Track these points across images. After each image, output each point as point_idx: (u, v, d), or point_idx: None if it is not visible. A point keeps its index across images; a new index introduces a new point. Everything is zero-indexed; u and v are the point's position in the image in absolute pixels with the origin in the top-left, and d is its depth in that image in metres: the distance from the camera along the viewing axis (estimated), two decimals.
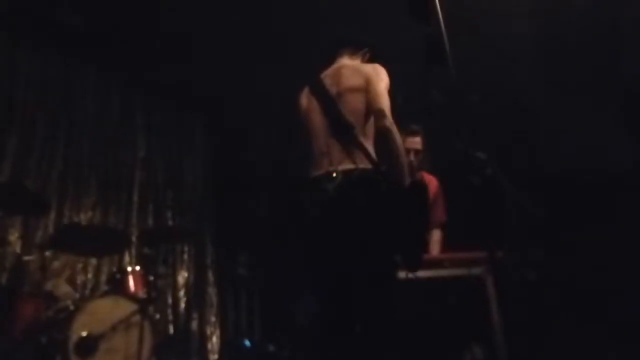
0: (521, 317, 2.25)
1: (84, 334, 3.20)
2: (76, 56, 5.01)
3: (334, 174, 2.14)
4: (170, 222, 5.51)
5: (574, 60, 3.86)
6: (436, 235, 3.46)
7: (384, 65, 2.39)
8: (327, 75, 2.46)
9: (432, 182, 3.51)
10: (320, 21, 3.97)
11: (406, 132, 3.35)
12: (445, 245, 3.42)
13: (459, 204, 2.23)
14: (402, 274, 2.68)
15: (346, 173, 2.14)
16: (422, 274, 2.75)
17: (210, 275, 5.69)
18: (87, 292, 4.41)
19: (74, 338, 3.16)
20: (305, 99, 2.48)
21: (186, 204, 5.78)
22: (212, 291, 5.62)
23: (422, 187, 2.26)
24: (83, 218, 4.78)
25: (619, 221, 3.46)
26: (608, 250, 3.20)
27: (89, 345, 3.20)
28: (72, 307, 3.35)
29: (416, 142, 3.34)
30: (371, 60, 2.54)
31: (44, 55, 4.87)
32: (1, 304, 3.22)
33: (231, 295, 5.54)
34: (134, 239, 4.81)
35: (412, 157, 3.31)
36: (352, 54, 2.55)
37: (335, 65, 2.52)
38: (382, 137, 2.16)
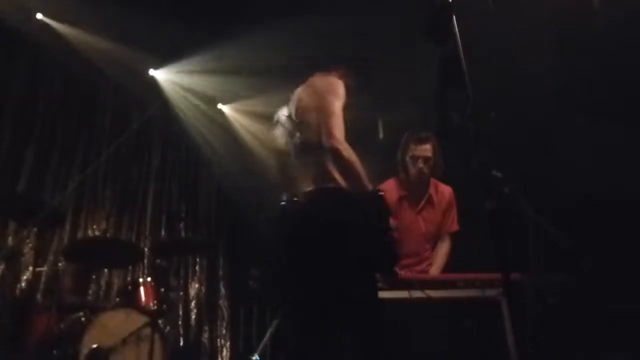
0: (538, 343, 2.19)
1: (95, 347, 3.20)
2: (95, 69, 5.09)
3: (295, 197, 2.17)
4: (183, 234, 5.53)
5: (595, 82, 3.79)
6: (444, 245, 3.41)
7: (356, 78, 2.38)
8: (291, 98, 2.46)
9: (445, 191, 3.48)
10: None
11: (415, 139, 3.32)
12: (458, 260, 3.36)
13: (476, 222, 2.19)
14: (417, 294, 2.65)
15: (307, 195, 2.16)
16: (434, 294, 2.71)
17: (222, 288, 5.68)
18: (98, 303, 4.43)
19: (85, 351, 3.16)
20: (275, 123, 2.49)
21: (199, 216, 5.80)
22: (223, 304, 5.62)
23: (376, 195, 2.22)
24: (97, 229, 4.81)
25: None
26: (632, 276, 3.12)
27: (99, 358, 3.20)
28: (83, 320, 3.36)
29: (425, 149, 3.30)
30: (347, 74, 2.47)
31: (64, 69, 4.95)
32: (14, 316, 3.23)
33: (243, 309, 5.52)
34: (146, 250, 4.82)
35: (421, 164, 3.28)
36: (324, 72, 2.49)
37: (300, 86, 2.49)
38: (332, 157, 2.16)
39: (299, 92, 2.40)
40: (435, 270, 3.27)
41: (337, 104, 2.23)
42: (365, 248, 2.12)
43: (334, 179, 2.17)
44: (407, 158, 3.34)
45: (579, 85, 3.83)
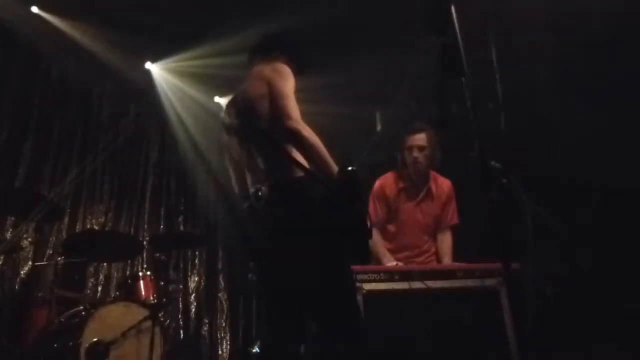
0: (536, 333, 2.20)
1: (95, 340, 3.21)
2: (91, 62, 5.06)
3: (260, 192, 2.09)
4: (181, 228, 5.53)
5: (593, 68, 3.78)
6: (447, 238, 3.42)
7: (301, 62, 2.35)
8: (238, 90, 2.38)
9: (445, 184, 3.48)
10: None
11: (410, 131, 3.35)
12: (457, 251, 3.37)
13: (475, 213, 2.19)
14: (416, 284, 2.66)
15: (273, 187, 2.08)
16: (433, 284, 2.72)
17: (221, 281, 5.69)
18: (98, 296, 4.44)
19: (85, 345, 3.16)
20: (225, 115, 2.41)
21: (198, 209, 5.80)
22: (222, 297, 5.62)
23: (349, 173, 2.08)
24: (96, 223, 4.81)
25: None
26: (629, 266, 3.12)
27: (99, 351, 3.21)
28: (83, 313, 3.36)
29: (419, 138, 3.32)
30: (291, 60, 2.42)
31: (60, 62, 4.93)
32: (14, 310, 3.23)
33: (242, 301, 5.53)
34: (145, 244, 4.82)
35: (416, 153, 3.30)
36: (263, 59, 2.42)
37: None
38: (292, 139, 2.07)
39: (246, 84, 2.33)
40: (448, 261, 3.29)
41: (289, 87, 2.17)
42: (342, 238, 2.06)
43: (297, 164, 2.08)
44: (404, 150, 3.36)
45: (579, 74, 3.83)
